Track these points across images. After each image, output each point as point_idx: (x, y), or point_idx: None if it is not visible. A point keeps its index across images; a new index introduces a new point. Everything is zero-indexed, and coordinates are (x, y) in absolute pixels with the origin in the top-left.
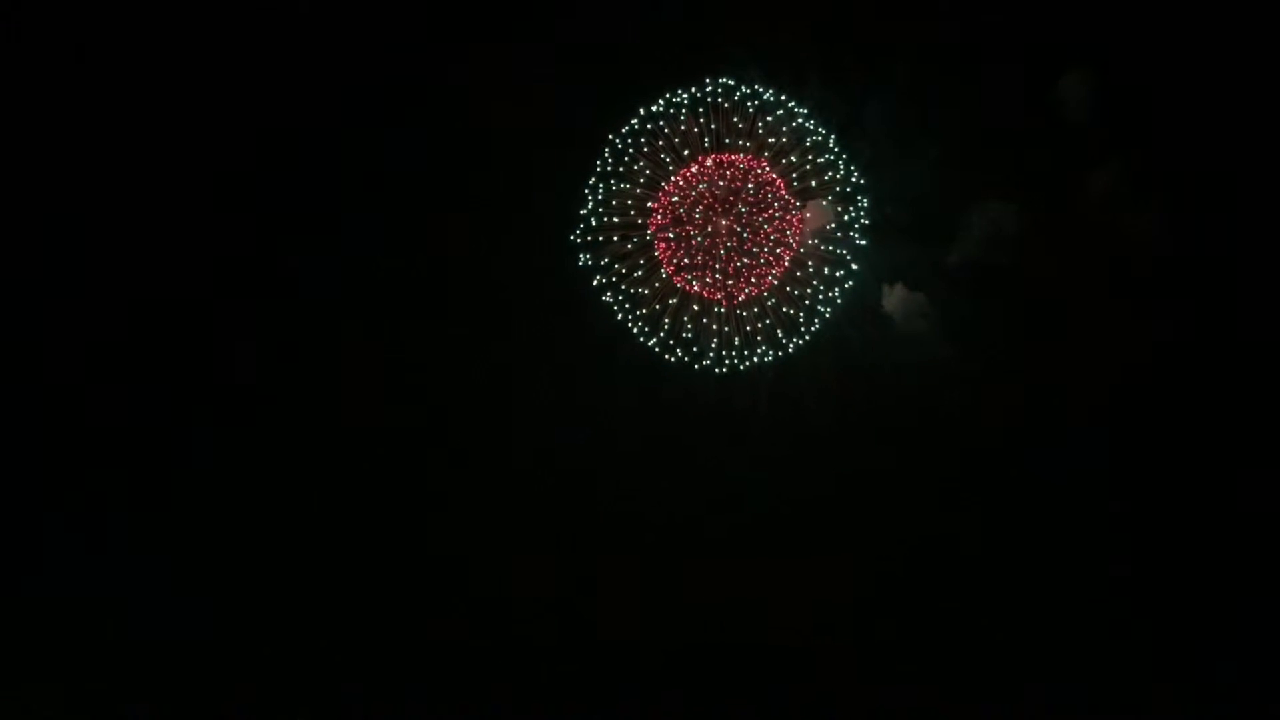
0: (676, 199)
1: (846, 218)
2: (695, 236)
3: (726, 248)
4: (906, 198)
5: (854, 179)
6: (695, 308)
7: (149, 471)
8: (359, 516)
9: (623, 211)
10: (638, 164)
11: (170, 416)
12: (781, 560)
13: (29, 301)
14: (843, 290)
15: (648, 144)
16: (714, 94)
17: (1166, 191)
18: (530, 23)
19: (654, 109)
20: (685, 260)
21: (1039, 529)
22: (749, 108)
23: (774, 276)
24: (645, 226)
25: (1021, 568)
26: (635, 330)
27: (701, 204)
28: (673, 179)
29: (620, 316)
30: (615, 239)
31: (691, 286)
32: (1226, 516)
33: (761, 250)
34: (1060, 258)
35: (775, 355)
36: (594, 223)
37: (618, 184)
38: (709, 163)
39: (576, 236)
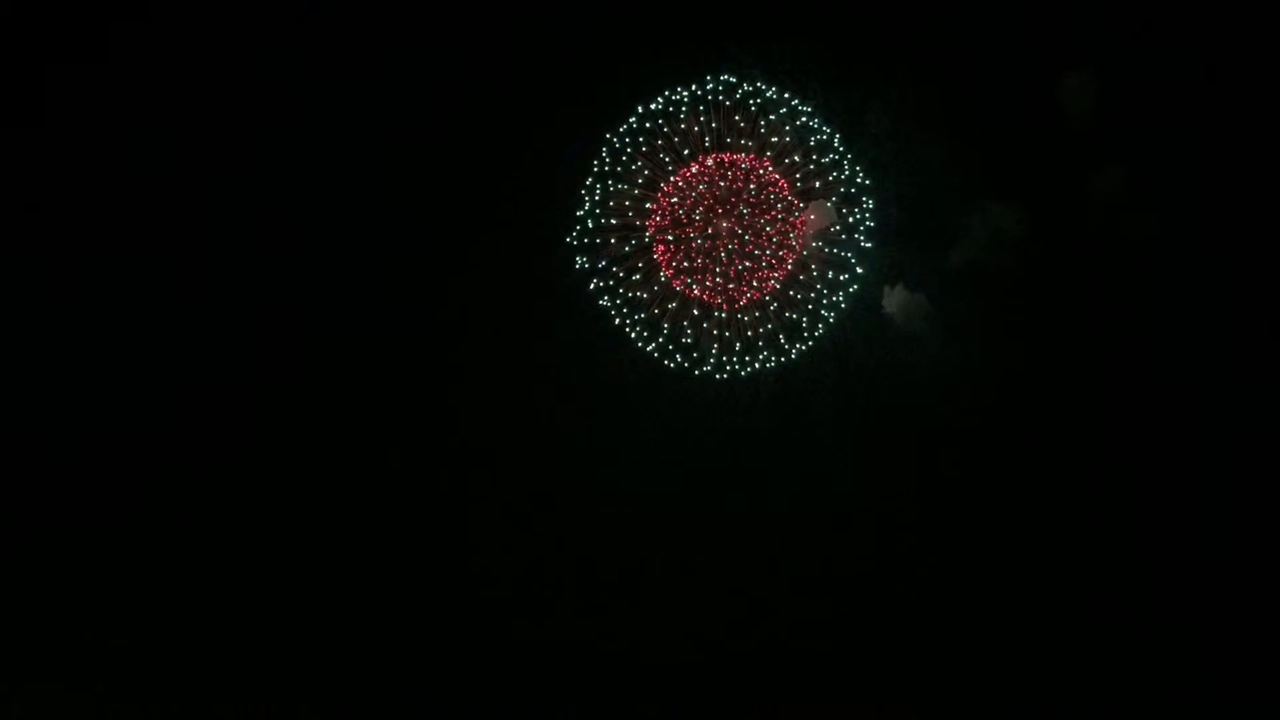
0: (676, 200)
1: (852, 220)
2: (695, 239)
3: (727, 250)
4: (907, 199)
5: (859, 179)
6: (695, 312)
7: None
8: (357, 518)
9: (621, 213)
10: (636, 164)
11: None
12: (781, 565)
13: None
14: (847, 294)
15: (646, 143)
16: (715, 92)
17: (1167, 193)
18: (527, 18)
19: (653, 107)
20: (685, 263)
21: (1040, 529)
22: (751, 106)
23: (776, 280)
24: (644, 228)
25: (1023, 568)
26: (633, 335)
27: (702, 205)
28: (672, 179)
29: (618, 321)
30: (613, 241)
31: (691, 290)
32: (1228, 515)
33: (764, 253)
34: (1061, 259)
35: (777, 361)
36: (591, 224)
37: (615, 184)
38: (710, 163)
39: (573, 239)
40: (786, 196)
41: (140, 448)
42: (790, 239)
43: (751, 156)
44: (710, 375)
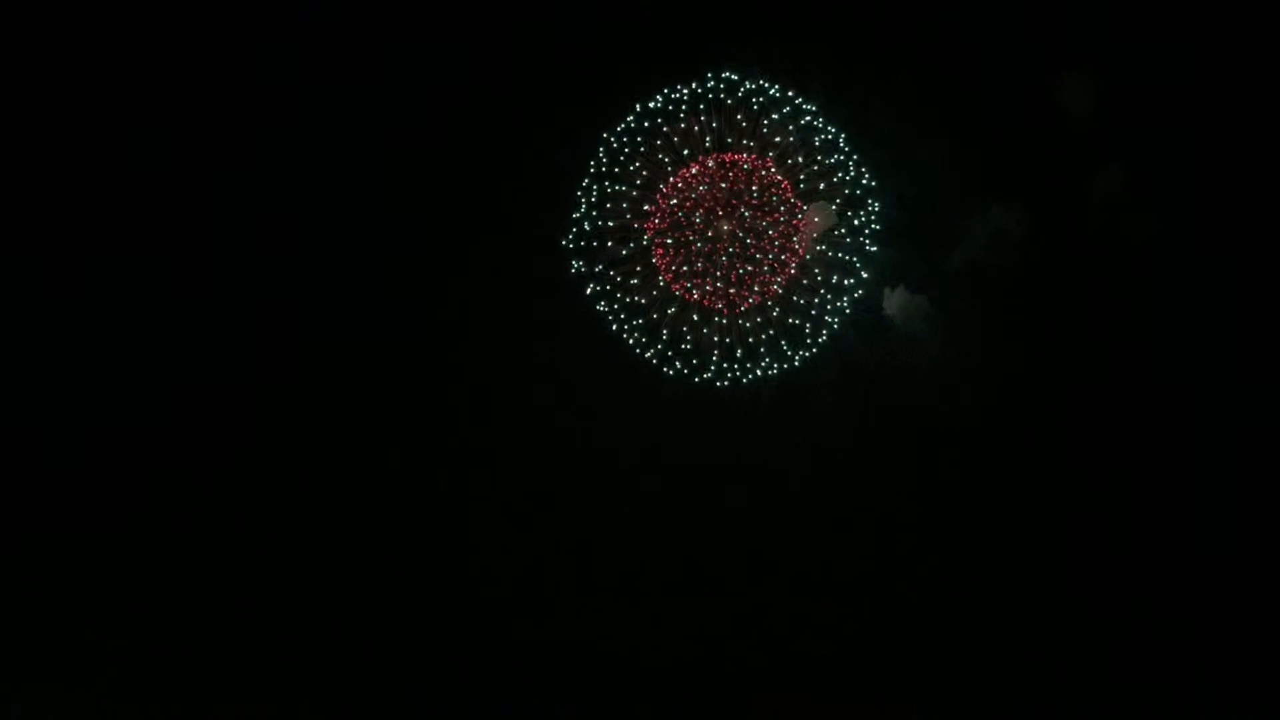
0: (675, 201)
1: (857, 222)
2: (695, 242)
3: (728, 253)
4: (908, 199)
5: (864, 181)
6: (695, 317)
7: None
8: (357, 518)
9: (618, 215)
10: (634, 164)
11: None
12: (781, 565)
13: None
14: (852, 300)
15: (645, 143)
16: (716, 90)
17: (1167, 193)
18: (527, 17)
19: (651, 105)
20: (684, 267)
21: (1040, 529)
22: (753, 105)
23: (778, 284)
24: (642, 231)
25: (1023, 568)
26: (631, 341)
27: (702, 207)
28: (671, 180)
29: (615, 326)
30: (610, 244)
31: (691, 294)
32: (1228, 515)
33: (765, 256)
34: (1061, 259)
35: (780, 368)
36: (587, 227)
37: (613, 186)
38: (710, 163)
39: (569, 242)
40: (789, 198)
41: (140, 448)
42: (793, 242)
43: (753, 157)
44: (711, 382)
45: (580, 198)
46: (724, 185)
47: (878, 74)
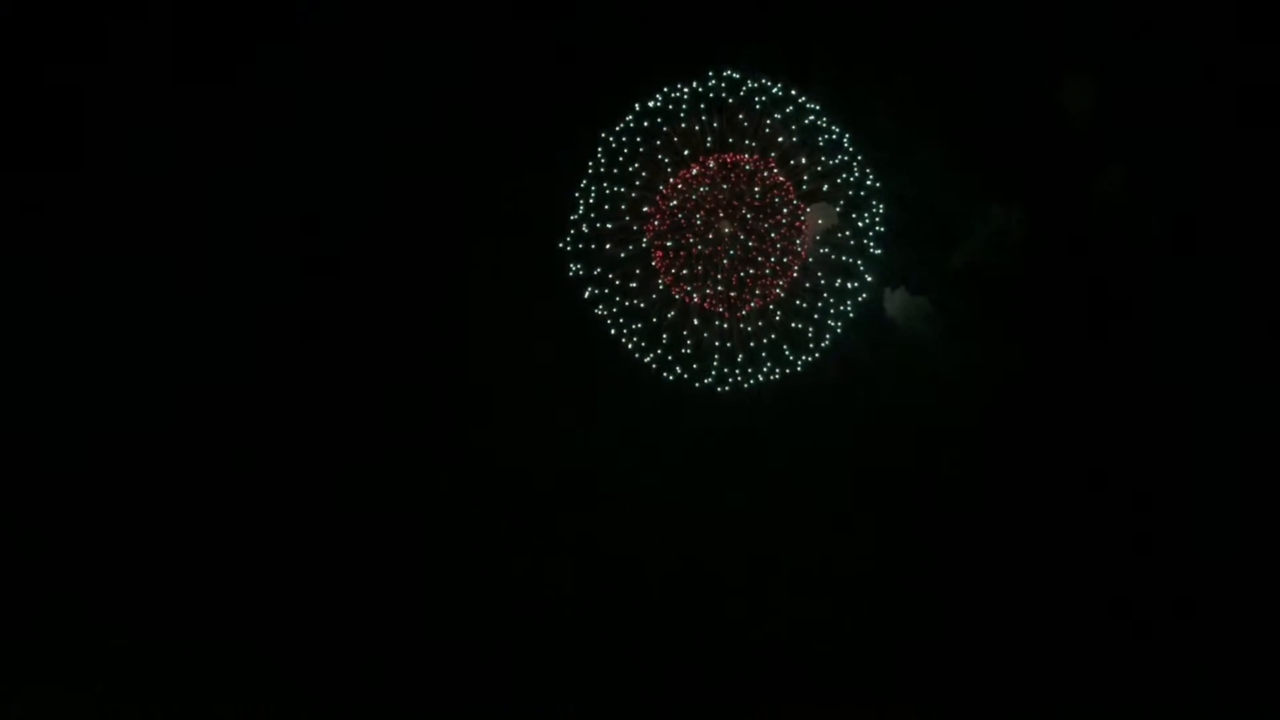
0: (675, 203)
1: (861, 224)
2: (696, 244)
3: (729, 256)
4: (908, 200)
5: (868, 181)
6: (695, 321)
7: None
8: (357, 518)
9: (617, 217)
10: (633, 165)
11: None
12: (781, 565)
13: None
14: (855, 303)
15: (644, 143)
16: (717, 89)
17: (1167, 193)
18: (524, 13)
19: (651, 105)
20: (684, 269)
21: (1040, 529)
22: (756, 104)
23: (780, 288)
24: (641, 233)
25: (1024, 568)
26: (630, 345)
27: (703, 208)
28: (671, 181)
29: (614, 330)
30: (609, 246)
31: (691, 298)
32: (1228, 515)
33: (767, 259)
34: (1061, 259)
35: (781, 373)
36: (585, 229)
37: (611, 187)
38: (711, 164)
39: (566, 244)
40: (792, 200)
41: (140, 448)
42: (795, 244)
43: (755, 157)
44: (711, 388)
45: (579, 199)
46: (725, 187)
47: (877, 74)
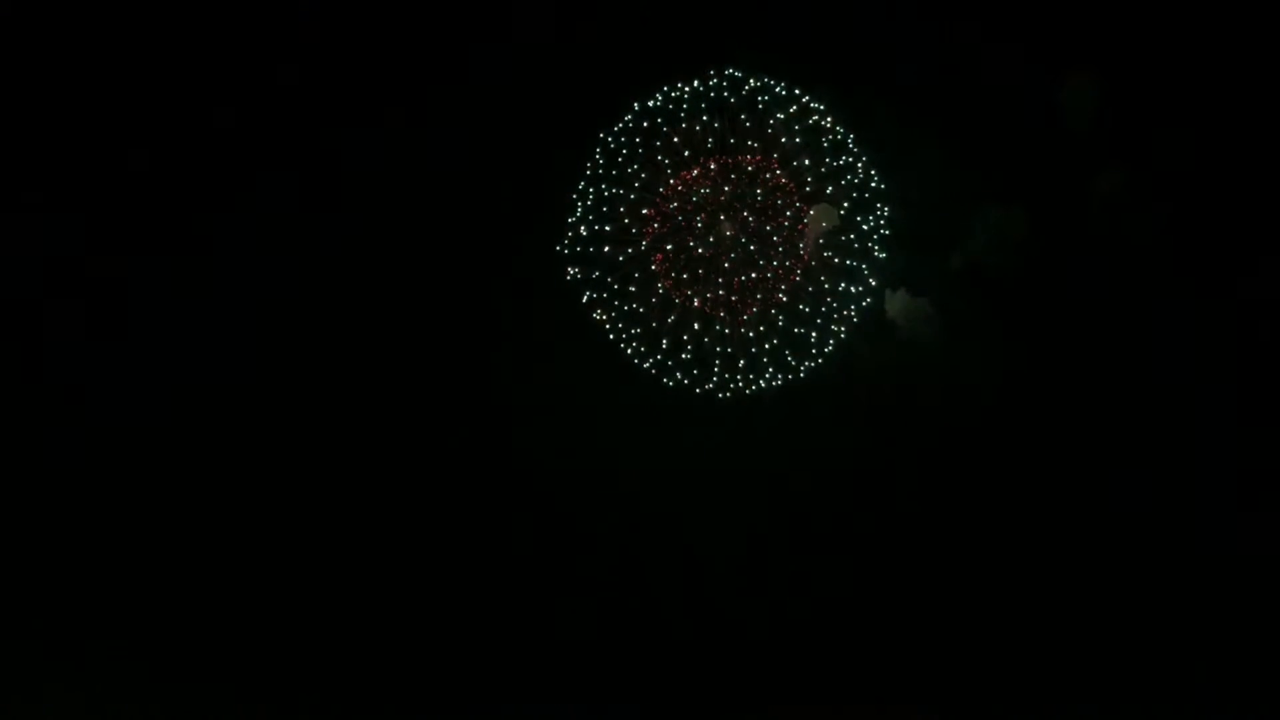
0: (675, 205)
1: (865, 226)
2: (696, 247)
3: (731, 259)
4: (909, 201)
5: (873, 183)
6: (696, 325)
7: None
8: (357, 518)
9: (616, 219)
10: (632, 166)
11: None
12: (781, 565)
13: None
14: (859, 308)
15: (643, 144)
16: (718, 88)
17: (1167, 193)
18: (523, 13)
19: (650, 104)
20: (685, 273)
21: (1040, 530)
22: (758, 103)
23: (783, 291)
24: (641, 235)
25: (1024, 568)
26: (630, 350)
27: (704, 210)
28: (671, 182)
29: (613, 335)
30: (607, 249)
31: (692, 302)
32: (1228, 515)
33: (769, 262)
34: (1062, 259)
35: (784, 379)
36: (584, 231)
37: (610, 188)
38: (712, 165)
39: (564, 247)
40: (795, 202)
41: (140, 447)
42: (799, 248)
43: (758, 158)
44: (713, 394)
45: (577, 201)
46: (726, 188)
47: (877, 74)
